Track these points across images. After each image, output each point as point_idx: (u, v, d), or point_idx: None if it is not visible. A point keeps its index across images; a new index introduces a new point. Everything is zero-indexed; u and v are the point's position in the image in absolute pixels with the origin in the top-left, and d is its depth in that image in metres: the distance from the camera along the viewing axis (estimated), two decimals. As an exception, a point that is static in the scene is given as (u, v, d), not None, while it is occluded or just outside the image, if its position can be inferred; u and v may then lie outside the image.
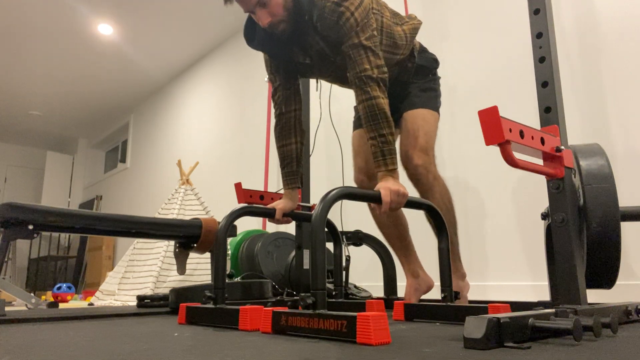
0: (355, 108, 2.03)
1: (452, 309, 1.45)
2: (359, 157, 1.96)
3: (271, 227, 3.67)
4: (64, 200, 7.88)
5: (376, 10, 1.66)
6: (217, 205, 4.14)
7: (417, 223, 2.34)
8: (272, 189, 3.92)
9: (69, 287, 4.20)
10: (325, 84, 3.22)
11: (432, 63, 1.95)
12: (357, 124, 2.04)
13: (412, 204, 1.49)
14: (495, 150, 2.48)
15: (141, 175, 6.51)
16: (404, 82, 1.89)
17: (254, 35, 1.68)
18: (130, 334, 1.26)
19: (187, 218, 3.07)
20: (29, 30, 4.86)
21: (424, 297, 2.01)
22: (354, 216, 3.04)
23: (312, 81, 2.69)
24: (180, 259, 2.42)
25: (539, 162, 1.26)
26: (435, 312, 1.49)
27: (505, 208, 2.41)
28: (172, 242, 2.69)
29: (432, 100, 1.88)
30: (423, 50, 1.97)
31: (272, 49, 1.67)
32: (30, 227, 1.94)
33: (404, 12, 3.09)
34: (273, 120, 1.87)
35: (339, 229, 2.04)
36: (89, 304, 3.35)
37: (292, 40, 1.61)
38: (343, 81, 1.78)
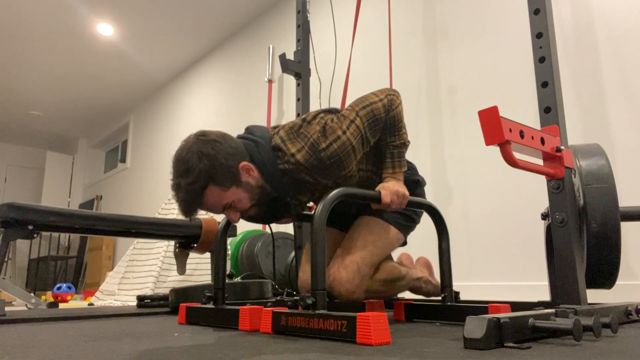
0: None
1: (452, 309, 1.45)
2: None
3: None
4: (64, 200, 7.88)
5: (361, 120, 1.43)
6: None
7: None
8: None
9: (69, 287, 4.20)
10: (325, 86, 3.22)
11: (409, 185, 1.61)
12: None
13: (412, 204, 1.49)
14: (495, 150, 2.48)
15: (141, 175, 6.51)
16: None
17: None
18: (130, 334, 1.26)
19: (187, 218, 3.06)
20: (29, 30, 4.86)
21: (423, 297, 2.01)
22: (354, 216, 3.04)
23: (313, 82, 2.69)
24: (180, 259, 2.42)
25: (539, 162, 1.26)
26: (435, 312, 1.49)
27: (505, 208, 2.41)
28: (172, 242, 2.69)
29: (396, 217, 1.60)
30: (410, 168, 1.68)
31: (257, 221, 1.50)
32: (30, 227, 1.94)
33: (388, 16, 3.09)
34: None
35: (339, 229, 2.04)
36: (89, 304, 3.35)
37: (273, 210, 1.47)
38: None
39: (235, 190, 1.32)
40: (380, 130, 1.44)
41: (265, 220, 1.48)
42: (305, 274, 1.64)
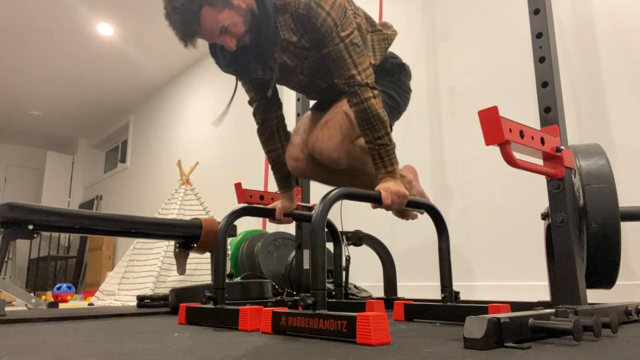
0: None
1: (452, 309, 1.45)
2: (299, 134, 1.70)
3: (271, 227, 3.67)
4: (64, 200, 7.88)
5: (351, 10, 1.55)
6: (217, 205, 4.14)
7: (417, 222, 2.35)
8: (272, 189, 3.92)
9: (69, 287, 4.20)
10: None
11: (395, 68, 1.72)
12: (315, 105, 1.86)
13: (412, 204, 1.49)
14: (495, 150, 2.48)
15: (141, 175, 6.51)
16: None
17: (217, 55, 1.58)
18: (130, 334, 1.26)
19: (187, 218, 3.07)
20: (29, 30, 4.86)
21: (423, 297, 2.01)
22: (354, 216, 3.04)
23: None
24: (180, 259, 2.42)
25: (539, 162, 1.26)
26: (435, 312, 1.49)
27: (505, 208, 2.41)
28: (172, 242, 2.69)
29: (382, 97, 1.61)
30: (392, 56, 1.75)
31: (235, 67, 1.56)
32: (30, 227, 1.94)
33: (379, 19, 3.09)
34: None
35: (339, 229, 2.04)
36: (89, 304, 3.35)
37: (250, 54, 1.50)
38: (308, 93, 1.71)
39: (229, 12, 1.36)
40: (333, 70, 1.46)
41: (250, 66, 1.51)
42: (291, 146, 1.66)
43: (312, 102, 1.87)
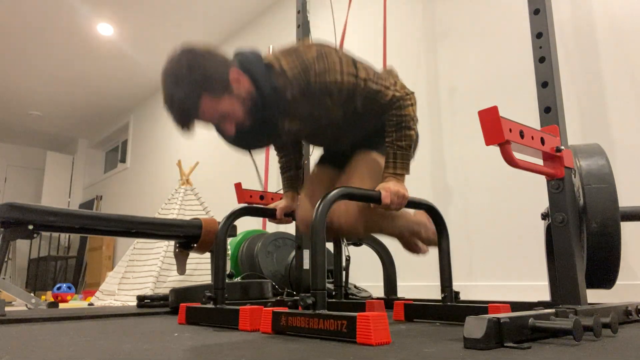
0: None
1: (452, 309, 1.45)
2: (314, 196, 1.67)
3: (271, 227, 3.67)
4: (64, 200, 7.88)
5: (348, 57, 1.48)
6: (217, 205, 4.14)
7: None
8: (272, 189, 3.92)
9: (69, 287, 4.19)
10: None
11: None
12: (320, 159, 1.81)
13: (412, 204, 1.49)
14: (495, 150, 2.48)
15: (141, 175, 6.51)
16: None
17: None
18: (130, 334, 1.26)
19: (187, 218, 3.07)
20: (29, 30, 4.86)
21: (423, 297, 2.01)
22: (354, 216, 3.03)
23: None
24: (180, 259, 2.42)
25: (539, 162, 1.26)
26: (435, 312, 1.49)
27: (505, 208, 2.41)
28: (172, 242, 2.69)
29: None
30: None
31: (241, 144, 1.50)
32: (30, 227, 1.94)
33: (383, 19, 3.09)
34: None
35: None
36: (89, 304, 3.35)
37: (254, 132, 1.44)
38: (314, 142, 1.69)
39: (229, 99, 1.32)
40: (370, 108, 1.45)
41: (253, 141, 1.47)
42: (303, 210, 1.64)
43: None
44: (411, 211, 1.85)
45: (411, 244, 1.72)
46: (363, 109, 1.48)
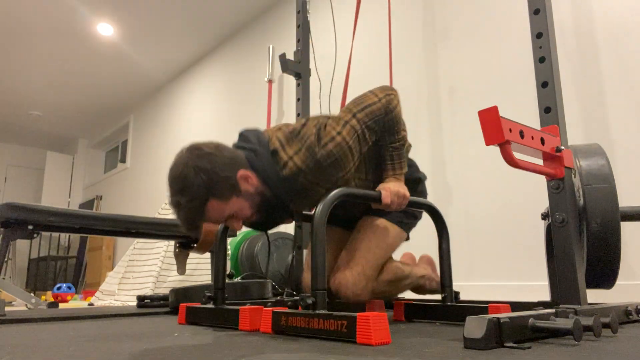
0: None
1: (452, 309, 1.45)
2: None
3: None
4: (64, 200, 7.88)
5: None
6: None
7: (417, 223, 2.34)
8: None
9: (69, 287, 4.20)
10: (325, 86, 3.22)
11: (412, 183, 1.65)
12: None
13: (413, 204, 1.49)
14: (495, 150, 2.48)
15: (141, 175, 6.51)
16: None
17: None
18: (130, 334, 1.26)
19: (187, 218, 3.06)
20: (29, 31, 4.86)
21: (423, 297, 2.01)
22: (354, 216, 3.04)
23: (313, 82, 2.69)
24: (180, 259, 2.42)
25: (539, 162, 1.26)
26: (435, 312, 1.49)
27: (505, 208, 2.41)
28: (172, 242, 2.69)
29: (398, 216, 1.59)
30: (410, 166, 1.68)
31: (251, 226, 1.46)
32: (30, 227, 1.95)
33: (388, 19, 3.09)
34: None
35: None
36: (89, 304, 3.35)
37: (263, 219, 1.42)
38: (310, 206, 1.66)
39: (236, 200, 1.29)
40: (380, 131, 1.44)
41: (267, 226, 1.45)
42: (309, 275, 1.64)
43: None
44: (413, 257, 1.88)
45: (415, 290, 1.76)
46: (371, 138, 1.45)
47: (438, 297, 1.56)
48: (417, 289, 1.75)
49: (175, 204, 1.26)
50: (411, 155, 2.84)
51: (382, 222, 1.57)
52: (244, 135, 1.42)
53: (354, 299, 1.46)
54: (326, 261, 1.44)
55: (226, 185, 1.26)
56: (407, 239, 1.69)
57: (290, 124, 1.48)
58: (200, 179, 1.23)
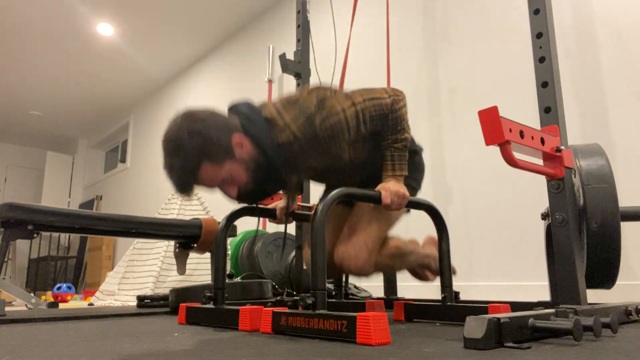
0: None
1: (452, 309, 1.45)
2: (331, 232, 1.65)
3: (271, 227, 3.67)
4: (64, 200, 7.88)
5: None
6: (217, 205, 4.14)
7: (417, 223, 2.35)
8: (272, 189, 3.92)
9: (69, 287, 4.19)
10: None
11: (409, 155, 1.60)
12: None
13: (412, 204, 1.49)
14: (495, 150, 2.48)
15: (141, 175, 6.51)
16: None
17: None
18: (130, 334, 1.26)
19: (187, 218, 3.07)
20: (29, 31, 4.86)
21: (423, 297, 2.01)
22: (354, 216, 3.04)
23: (313, 81, 2.69)
24: (180, 259, 2.42)
25: (539, 162, 1.26)
26: (435, 312, 1.49)
27: (505, 208, 2.41)
28: (172, 242, 2.69)
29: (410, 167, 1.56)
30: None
31: (246, 200, 1.49)
32: (30, 227, 1.95)
33: (386, 20, 3.09)
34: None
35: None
36: (89, 304, 3.35)
37: (258, 188, 1.42)
38: (317, 180, 1.68)
39: (231, 165, 1.29)
40: (380, 125, 1.44)
41: (258, 197, 1.45)
42: (309, 251, 1.65)
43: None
44: (419, 242, 1.88)
45: (419, 274, 1.76)
46: (371, 133, 1.46)
47: (438, 297, 1.56)
48: (422, 269, 1.74)
49: (169, 166, 1.26)
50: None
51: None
52: (234, 106, 1.42)
53: (357, 271, 1.47)
54: (328, 238, 1.48)
55: (220, 149, 1.27)
56: (408, 211, 1.69)
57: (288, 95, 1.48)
58: (194, 142, 1.23)
